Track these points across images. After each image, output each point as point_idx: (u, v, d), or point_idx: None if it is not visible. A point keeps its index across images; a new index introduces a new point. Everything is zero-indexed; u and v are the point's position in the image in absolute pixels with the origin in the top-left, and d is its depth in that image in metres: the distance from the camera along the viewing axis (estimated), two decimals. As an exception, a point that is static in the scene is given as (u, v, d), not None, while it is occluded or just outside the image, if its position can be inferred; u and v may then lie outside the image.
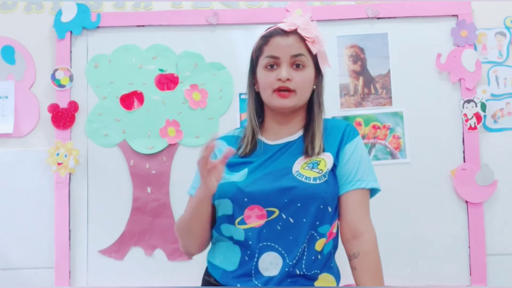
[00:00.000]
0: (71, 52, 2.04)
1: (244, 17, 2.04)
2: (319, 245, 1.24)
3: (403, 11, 2.05)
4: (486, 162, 1.98)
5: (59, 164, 1.97)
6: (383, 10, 2.05)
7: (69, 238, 1.98)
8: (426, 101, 2.02)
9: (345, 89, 2.04)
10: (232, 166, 1.31)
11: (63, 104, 2.01)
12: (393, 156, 2.01)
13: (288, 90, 1.27)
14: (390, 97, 2.03)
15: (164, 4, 2.06)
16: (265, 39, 1.31)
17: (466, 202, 1.99)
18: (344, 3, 2.06)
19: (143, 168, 2.01)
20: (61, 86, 2.02)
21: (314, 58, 1.31)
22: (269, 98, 1.30)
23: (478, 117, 1.99)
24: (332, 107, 2.02)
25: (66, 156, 1.97)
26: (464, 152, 2.00)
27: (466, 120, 2.00)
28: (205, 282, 1.34)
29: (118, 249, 2.00)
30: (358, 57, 2.05)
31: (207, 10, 2.06)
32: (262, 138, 1.35)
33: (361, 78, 2.04)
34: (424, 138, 2.01)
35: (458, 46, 2.03)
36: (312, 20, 1.33)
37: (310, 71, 1.30)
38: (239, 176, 1.28)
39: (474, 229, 1.97)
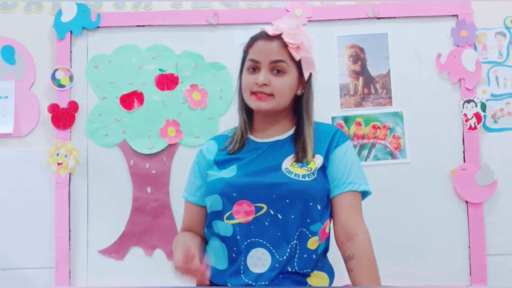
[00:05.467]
0: (71, 52, 2.04)
1: (244, 17, 2.04)
2: (312, 243, 1.24)
3: (403, 11, 2.05)
4: (486, 162, 1.98)
5: (59, 164, 1.97)
6: (383, 10, 2.05)
7: (69, 238, 1.98)
8: (426, 101, 2.02)
9: (345, 89, 2.04)
10: (221, 163, 1.32)
11: (63, 104, 2.01)
12: (393, 156, 2.01)
13: (265, 93, 1.28)
14: (390, 97, 2.03)
15: (164, 4, 2.06)
16: (251, 41, 1.34)
17: (466, 202, 1.99)
18: (344, 3, 2.06)
19: (143, 168, 2.01)
20: (61, 86, 2.02)
21: (299, 64, 1.31)
22: (247, 99, 1.32)
23: (478, 117, 1.99)
24: (332, 107, 2.02)
25: (66, 156, 1.97)
26: (464, 152, 2.00)
27: (466, 120, 2.00)
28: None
29: (118, 249, 2.00)
30: (358, 57, 2.05)
31: (207, 10, 2.06)
32: (251, 136, 1.37)
33: (361, 78, 2.04)
34: (424, 138, 2.01)
35: (458, 46, 2.03)
36: (304, 24, 1.33)
37: (291, 77, 1.30)
38: (228, 172, 1.29)
39: (474, 229, 1.97)
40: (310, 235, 1.24)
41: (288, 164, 1.27)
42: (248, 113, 1.38)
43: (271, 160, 1.29)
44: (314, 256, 1.25)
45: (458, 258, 1.98)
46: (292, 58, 1.29)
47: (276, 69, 1.28)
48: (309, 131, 1.32)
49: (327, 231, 1.29)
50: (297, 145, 1.31)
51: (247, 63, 1.32)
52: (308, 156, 1.27)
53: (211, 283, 1.28)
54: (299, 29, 1.31)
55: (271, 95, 1.28)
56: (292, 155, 1.29)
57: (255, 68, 1.30)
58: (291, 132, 1.35)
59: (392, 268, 1.98)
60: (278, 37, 1.29)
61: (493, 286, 1.96)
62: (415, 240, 1.98)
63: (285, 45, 1.28)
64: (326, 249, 1.33)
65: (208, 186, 1.31)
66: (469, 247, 1.98)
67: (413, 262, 1.98)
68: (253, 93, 1.29)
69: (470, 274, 1.97)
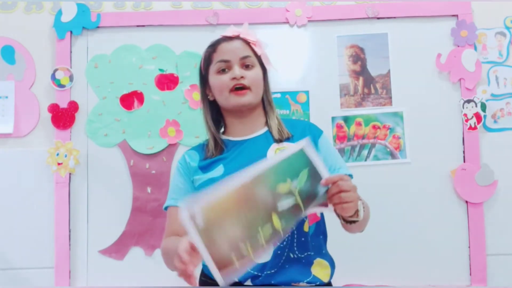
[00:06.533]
0: (71, 52, 2.04)
1: (244, 17, 2.04)
2: (306, 226, 1.28)
3: (403, 11, 2.05)
4: (486, 162, 1.98)
5: (59, 164, 1.97)
6: (383, 10, 2.05)
7: (69, 238, 1.98)
8: (426, 101, 2.02)
9: (345, 89, 2.04)
10: (206, 167, 1.34)
11: (63, 104, 2.01)
12: (393, 156, 2.01)
13: (244, 87, 1.32)
14: (390, 97, 2.03)
15: (164, 4, 2.06)
16: (213, 47, 1.38)
17: (466, 202, 1.99)
18: (344, 3, 2.06)
19: (143, 168, 2.01)
20: (61, 86, 2.02)
21: (259, 59, 1.38)
22: (226, 99, 1.34)
23: (478, 117, 1.99)
24: (332, 107, 2.02)
25: (66, 156, 1.97)
26: (464, 152, 2.00)
27: (466, 120, 2.00)
28: (202, 282, 1.35)
29: (118, 249, 2.00)
30: (358, 57, 2.05)
31: (207, 10, 2.06)
32: (228, 137, 1.39)
33: (361, 78, 2.04)
34: (424, 138, 2.01)
35: (458, 46, 2.03)
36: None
37: (259, 70, 1.37)
38: (215, 172, 1.30)
39: (474, 229, 1.97)
40: (305, 218, 1.27)
41: (273, 153, 1.30)
42: (216, 121, 1.41)
43: (255, 152, 1.31)
44: (309, 238, 1.28)
45: (458, 258, 1.98)
46: (254, 54, 1.37)
47: (245, 64, 1.34)
48: (273, 117, 1.38)
49: (318, 215, 1.32)
50: (273, 131, 1.35)
51: (216, 66, 1.34)
52: (283, 134, 1.33)
53: (215, 283, 1.28)
54: (250, 30, 1.40)
55: (248, 88, 1.32)
56: (273, 143, 1.33)
57: (224, 69, 1.34)
58: (266, 128, 1.38)
59: (392, 268, 1.98)
60: (237, 37, 1.37)
61: (493, 286, 1.96)
62: (415, 240, 1.98)
63: (246, 43, 1.37)
64: (324, 235, 1.35)
65: (198, 189, 1.31)
66: (469, 247, 1.98)
67: (413, 262, 1.98)
68: (231, 91, 1.32)
69: (470, 274, 1.97)
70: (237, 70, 1.31)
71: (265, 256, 1.22)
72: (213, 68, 1.36)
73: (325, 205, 1.14)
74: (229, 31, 1.39)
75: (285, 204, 1.07)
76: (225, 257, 1.01)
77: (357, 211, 1.17)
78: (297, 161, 1.12)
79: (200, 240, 0.99)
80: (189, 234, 0.99)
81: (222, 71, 1.34)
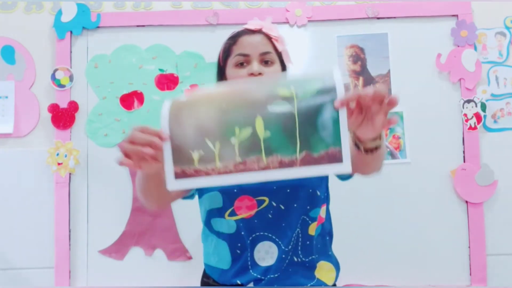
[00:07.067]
0: (71, 52, 2.04)
1: (244, 17, 2.03)
2: (311, 229, 1.26)
3: (403, 11, 2.05)
4: (486, 162, 1.98)
5: (59, 164, 1.97)
6: (383, 10, 2.05)
7: (69, 238, 1.98)
8: (426, 101, 2.02)
9: (345, 89, 2.04)
10: None
11: (63, 104, 2.01)
12: (393, 156, 2.01)
13: None
14: (390, 97, 2.03)
15: (164, 4, 2.06)
16: (233, 39, 1.34)
17: (466, 202, 1.99)
18: (344, 3, 2.06)
19: (143, 168, 2.01)
20: (61, 86, 2.02)
21: (279, 56, 1.35)
22: None
23: (478, 117, 1.99)
24: (332, 107, 2.02)
25: (66, 156, 1.98)
26: (464, 152, 2.00)
27: (466, 120, 2.00)
28: (203, 283, 1.34)
29: (118, 249, 2.00)
30: (358, 57, 2.05)
31: (207, 10, 2.06)
32: None
33: (361, 78, 2.04)
34: (424, 138, 2.01)
35: (458, 46, 2.03)
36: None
37: (278, 67, 1.33)
38: None
39: (474, 229, 1.97)
40: (310, 221, 1.25)
41: None
42: None
43: None
44: (314, 242, 1.26)
45: (458, 258, 1.98)
46: (275, 50, 1.33)
47: (265, 60, 1.30)
48: None
49: (323, 216, 1.30)
50: None
51: (235, 59, 1.31)
52: None
53: (216, 283, 1.28)
54: (272, 24, 1.36)
55: None
56: None
57: (243, 63, 1.30)
58: None
59: (392, 268, 1.98)
60: (260, 31, 1.33)
61: (493, 286, 1.96)
62: (415, 240, 1.98)
63: (267, 38, 1.32)
64: (329, 236, 1.33)
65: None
66: (469, 247, 1.98)
67: (413, 262, 1.98)
68: None
69: (470, 274, 1.97)
70: (255, 66, 1.28)
71: (270, 260, 1.22)
72: (231, 61, 1.32)
73: (338, 159, 0.89)
74: (252, 24, 1.35)
75: (277, 107, 0.89)
76: (185, 152, 0.87)
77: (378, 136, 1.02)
78: (314, 79, 0.93)
79: (167, 119, 0.88)
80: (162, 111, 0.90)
81: (240, 65, 1.30)
